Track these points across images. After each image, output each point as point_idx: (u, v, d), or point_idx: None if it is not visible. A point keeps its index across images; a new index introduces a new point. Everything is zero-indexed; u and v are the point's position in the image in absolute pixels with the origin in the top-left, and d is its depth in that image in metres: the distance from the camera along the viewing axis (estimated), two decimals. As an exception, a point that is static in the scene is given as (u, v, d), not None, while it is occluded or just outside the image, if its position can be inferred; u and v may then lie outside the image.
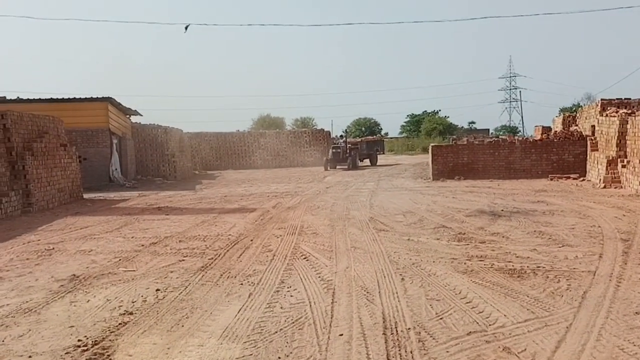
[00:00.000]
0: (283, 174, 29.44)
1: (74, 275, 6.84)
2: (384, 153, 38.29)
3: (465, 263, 7.16)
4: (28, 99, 21.95)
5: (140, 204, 15.46)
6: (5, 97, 21.44)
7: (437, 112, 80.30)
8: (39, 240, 9.75)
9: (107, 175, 22.08)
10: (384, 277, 6.54)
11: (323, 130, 38.59)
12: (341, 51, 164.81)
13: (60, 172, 15.93)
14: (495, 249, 8.02)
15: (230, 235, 9.74)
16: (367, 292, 5.91)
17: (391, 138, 77.85)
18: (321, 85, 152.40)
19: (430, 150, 21.71)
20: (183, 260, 7.67)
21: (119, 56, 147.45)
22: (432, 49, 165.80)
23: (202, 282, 6.41)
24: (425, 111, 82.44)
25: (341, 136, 35.89)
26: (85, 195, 18.02)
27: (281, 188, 20.08)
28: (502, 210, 12.06)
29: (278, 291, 6.00)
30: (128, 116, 26.16)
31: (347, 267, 7.04)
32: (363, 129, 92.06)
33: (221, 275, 6.74)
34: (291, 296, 5.82)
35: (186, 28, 19.20)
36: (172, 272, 6.96)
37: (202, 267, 7.20)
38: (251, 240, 9.15)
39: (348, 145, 32.26)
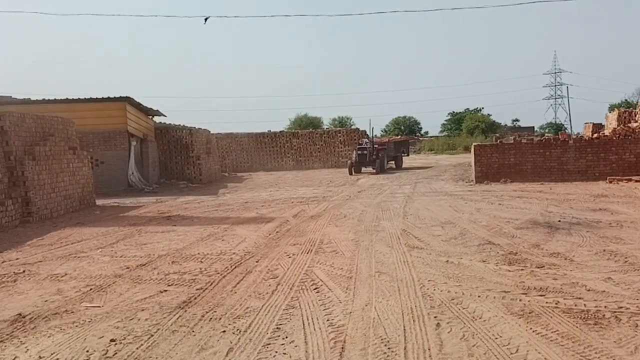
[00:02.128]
0: (314, 176, 27.94)
1: (20, 314, 5.43)
2: (408, 155, 34.41)
3: (520, 299, 5.49)
4: (44, 99, 21.00)
5: (151, 212, 14.15)
6: (10, 96, 20.50)
7: (480, 110, 77.50)
8: (16, 259, 8.46)
9: (125, 180, 20.96)
10: (413, 320, 4.94)
11: (358, 129, 36.87)
12: (379, 47, 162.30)
13: (68, 178, 14.76)
14: (557, 276, 6.31)
15: (234, 254, 8.26)
16: (389, 348, 4.33)
17: (431, 137, 75.52)
18: (359, 83, 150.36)
19: (472, 150, 19.84)
20: (165, 290, 6.21)
21: (137, 52, 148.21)
22: (473, 45, 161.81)
23: (175, 328, 4.92)
24: (467, 109, 79.72)
25: (366, 135, 32.34)
26: (100, 202, 16.86)
27: (309, 192, 18.56)
28: (559, 220, 10.25)
29: (268, 344, 4.47)
30: (151, 117, 25.03)
31: (366, 304, 5.45)
32: (402, 127, 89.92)
33: (203, 315, 5.24)
34: (284, 353, 4.28)
35: (205, 20, 17.83)
36: (144, 309, 5.50)
37: (185, 301, 5.72)
38: (257, 262, 7.64)
39: (375, 146, 28.51)
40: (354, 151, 28.81)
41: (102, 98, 20.36)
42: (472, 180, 19.54)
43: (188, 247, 8.98)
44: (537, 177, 18.46)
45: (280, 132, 37.33)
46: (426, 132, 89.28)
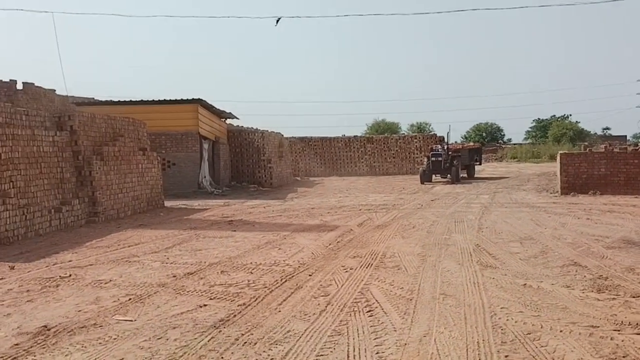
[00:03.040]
0: (387, 182, 27.08)
1: (46, 326, 5.05)
2: (481, 163, 31.41)
3: (612, 337, 4.57)
4: (118, 101, 21.41)
5: (215, 216, 13.86)
6: (93, 98, 21.03)
7: (567, 117, 73.71)
8: (69, 261, 8.25)
9: (196, 182, 20.96)
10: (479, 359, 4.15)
11: (436, 135, 35.65)
12: (459, 52, 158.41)
13: (137, 178, 14.76)
14: (658, 310, 5.31)
15: (288, 265, 7.68)
16: (447, 395, 3.57)
17: (514, 144, 72.59)
18: (439, 88, 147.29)
19: (558, 159, 18.40)
20: (205, 305, 5.69)
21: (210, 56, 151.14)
22: (562, 49, 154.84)
23: (203, 352, 4.35)
24: (554, 116, 76.08)
25: (441, 140, 29.78)
26: (168, 203, 16.82)
27: (379, 199, 17.80)
28: (658, 240, 9.02)
29: (303, 381, 3.82)
30: (223, 119, 25.04)
31: (425, 335, 4.70)
32: (484, 134, 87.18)
33: (237, 338, 4.66)
34: (319, 395, 3.62)
35: (277, 21, 17.46)
36: (176, 327, 4.99)
37: (222, 320, 5.16)
38: (310, 275, 7.02)
39: (449, 153, 25.90)
40: (426, 157, 26.62)
41: (175, 100, 20.48)
42: (557, 192, 18.11)
43: (242, 255, 8.49)
44: (631, 189, 16.79)
45: (355, 137, 36.67)
46: (509, 139, 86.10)
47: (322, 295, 6.02)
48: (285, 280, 6.72)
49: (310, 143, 35.88)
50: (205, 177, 20.97)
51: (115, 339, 4.70)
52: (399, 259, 8.01)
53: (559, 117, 74.55)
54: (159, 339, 4.68)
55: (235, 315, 5.29)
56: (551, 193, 18.31)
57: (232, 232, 10.89)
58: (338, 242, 9.61)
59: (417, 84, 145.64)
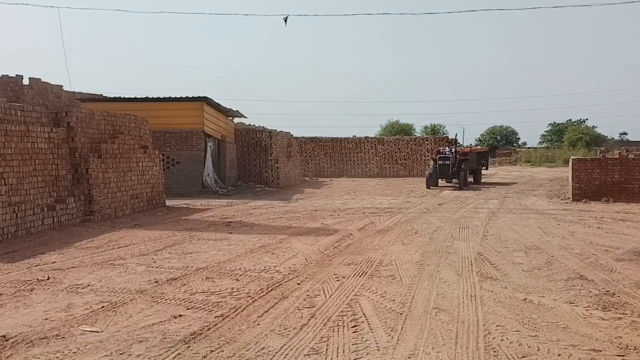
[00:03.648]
0: (396, 184, 26.65)
1: (4, 336, 4.73)
2: (487, 168, 29.47)
3: (616, 365, 4.17)
4: (122, 97, 21.20)
5: (215, 216, 13.54)
6: (102, 94, 20.85)
7: (584, 121, 72.61)
8: (52, 262, 7.97)
9: (200, 181, 20.67)
10: (466, 387, 3.76)
11: (447, 137, 35.13)
12: (476, 55, 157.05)
13: (137, 177, 14.49)
14: (668, 332, 4.88)
15: (278, 271, 7.32)
16: None
17: (529, 148, 71.73)
18: (454, 90, 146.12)
19: (570, 164, 17.86)
20: (180, 316, 5.34)
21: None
22: (579, 52, 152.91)
23: (165, 371, 4.02)
24: (570, 120, 75.00)
25: (450, 142, 27.49)
26: (170, 202, 16.55)
27: (385, 202, 17.40)
28: (672, 253, 8.55)
29: (267, 409, 3.46)
30: (231, 118, 24.74)
31: (409, 356, 4.33)
32: (498, 137, 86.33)
33: (205, 356, 4.30)
34: None
35: (285, 20, 17.12)
36: (143, 340, 4.65)
37: (194, 333, 4.82)
38: (299, 284, 6.65)
39: (457, 157, 24.08)
40: (433, 160, 24.62)
41: (180, 97, 20.19)
42: (569, 198, 17.58)
43: (233, 259, 8.15)
44: (646, 197, 16.24)
45: (365, 137, 36.23)
46: (524, 143, 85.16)
47: (307, 307, 5.66)
48: (271, 289, 6.37)
49: (320, 143, 35.52)
50: (209, 175, 20.67)
51: (75, 352, 4.37)
52: (396, 267, 7.63)
53: (575, 122, 73.52)
54: (121, 354, 4.34)
55: (209, 329, 4.94)
56: (562, 199, 17.78)
57: (228, 235, 10.56)
58: (335, 247, 9.24)
59: (433, 85, 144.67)
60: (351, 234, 10.63)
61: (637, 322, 5.19)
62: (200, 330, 4.90)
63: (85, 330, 4.89)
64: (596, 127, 68.48)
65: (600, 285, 6.61)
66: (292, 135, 29.34)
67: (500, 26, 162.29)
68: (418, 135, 57.57)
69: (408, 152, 34.82)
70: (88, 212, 12.38)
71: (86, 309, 5.59)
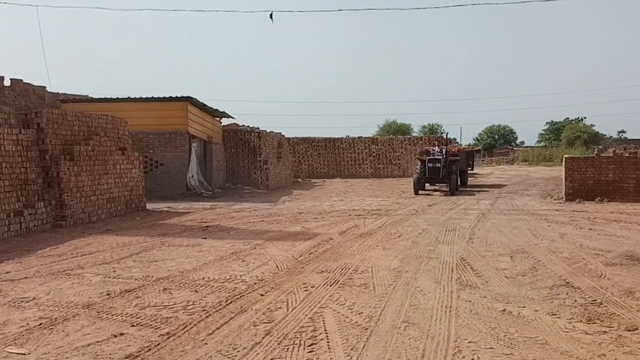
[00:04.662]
0: (389, 185, 26.16)
1: None
2: (473, 169, 27.36)
3: (598, 389, 3.69)
4: (105, 98, 20.66)
5: (193, 220, 13.06)
6: (87, 95, 20.36)
7: (582, 120, 72.14)
8: (6, 272, 7.46)
9: (185, 183, 20.14)
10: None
11: (442, 137, 34.61)
12: (473, 53, 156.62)
13: (114, 180, 14.00)
14: (656, 349, 4.42)
15: (243, 281, 6.85)
16: None
17: (526, 147, 71.28)
18: (452, 90, 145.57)
19: (564, 163, 17.38)
20: (121, 334, 4.86)
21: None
22: (577, 50, 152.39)
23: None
24: (567, 118, 74.56)
25: (439, 141, 24.52)
26: (152, 206, 16.06)
27: (374, 204, 16.92)
28: (665, 256, 8.08)
29: None
30: (218, 119, 24.22)
31: (365, 380, 3.85)
32: (496, 137, 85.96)
33: (136, 382, 3.84)
34: None
35: (271, 16, 16.64)
36: (71, 364, 4.18)
37: (129, 356, 4.33)
38: (262, 295, 6.17)
39: (447, 157, 21.17)
40: (420, 161, 21.47)
41: (163, 98, 19.59)
42: (562, 198, 17.10)
43: (199, 268, 7.67)
44: (641, 197, 15.77)
45: (359, 137, 35.72)
46: (522, 142, 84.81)
47: (265, 322, 5.18)
48: (231, 302, 5.89)
49: (313, 144, 35.01)
50: (193, 177, 20.14)
51: (-10, 379, 3.90)
52: (371, 275, 7.16)
53: (572, 120, 73.10)
54: (41, 380, 3.87)
55: (149, 349, 4.47)
56: (555, 199, 17.31)
57: (202, 240, 10.09)
58: (311, 253, 8.76)
59: (431, 85, 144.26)
60: (331, 239, 10.15)
61: (623, 336, 4.73)
62: (138, 352, 4.42)
63: (11, 352, 4.42)
64: (594, 125, 68.07)
65: (587, 293, 6.14)
66: (283, 135, 28.85)
67: (499, 26, 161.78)
68: (416, 135, 57.03)
69: (402, 152, 34.34)
70: (59, 218, 11.89)
71: (22, 326, 5.11)
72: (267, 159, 24.43)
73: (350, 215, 13.82)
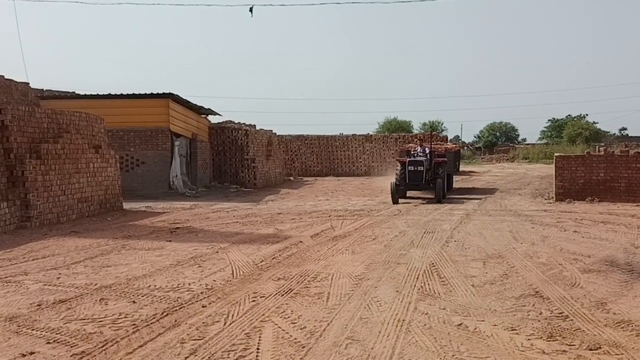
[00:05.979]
0: (380, 184, 25.67)
1: None
2: (458, 170, 25.35)
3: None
4: (85, 94, 20.16)
5: (165, 221, 12.62)
6: (74, 92, 19.93)
7: (584, 117, 71.60)
8: (-56, 279, 7.07)
9: (167, 182, 19.70)
10: None
11: (438, 135, 34.14)
12: (475, 50, 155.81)
13: (87, 179, 13.57)
14: (619, 373, 3.97)
15: (190, 290, 6.40)
16: None
17: (527, 144, 70.74)
18: (454, 86, 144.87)
19: (554, 162, 16.89)
20: (32, 353, 4.42)
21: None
22: (580, 47, 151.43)
23: None
24: (569, 115, 74.00)
25: (423, 140, 21.53)
26: (130, 205, 15.65)
27: (359, 204, 16.48)
28: (647, 262, 7.61)
29: None
30: (205, 116, 23.75)
31: (280, 412, 3.40)
32: (498, 134, 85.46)
33: (20, 413, 3.40)
34: None
35: (251, 10, 16.20)
36: (-41, 390, 3.75)
37: (30, 378, 3.91)
38: (204, 306, 5.73)
39: (433, 158, 17.89)
40: (400, 163, 17.99)
41: (145, 94, 19.12)
42: (553, 198, 16.61)
43: (149, 274, 7.23)
44: (632, 196, 15.24)
45: (353, 135, 35.25)
46: (524, 139, 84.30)
47: (195, 339, 4.74)
48: (167, 314, 5.44)
49: (306, 141, 34.56)
50: (176, 176, 19.69)
51: None
52: (329, 283, 6.71)
53: (574, 117, 72.56)
54: None
55: (52, 372, 4.03)
56: (546, 199, 16.82)
57: (166, 243, 9.64)
58: (274, 258, 8.31)
59: (432, 82, 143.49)
60: (301, 241, 9.70)
61: (582, 357, 4.27)
62: (40, 374, 3.98)
63: None
64: (597, 122, 67.45)
65: (555, 304, 5.68)
66: (274, 133, 28.41)
67: (499, 24, 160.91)
68: (416, 132, 56.48)
69: (397, 150, 33.81)
70: (24, 218, 11.47)
71: None
72: (255, 157, 23.97)
73: (330, 216, 13.37)
